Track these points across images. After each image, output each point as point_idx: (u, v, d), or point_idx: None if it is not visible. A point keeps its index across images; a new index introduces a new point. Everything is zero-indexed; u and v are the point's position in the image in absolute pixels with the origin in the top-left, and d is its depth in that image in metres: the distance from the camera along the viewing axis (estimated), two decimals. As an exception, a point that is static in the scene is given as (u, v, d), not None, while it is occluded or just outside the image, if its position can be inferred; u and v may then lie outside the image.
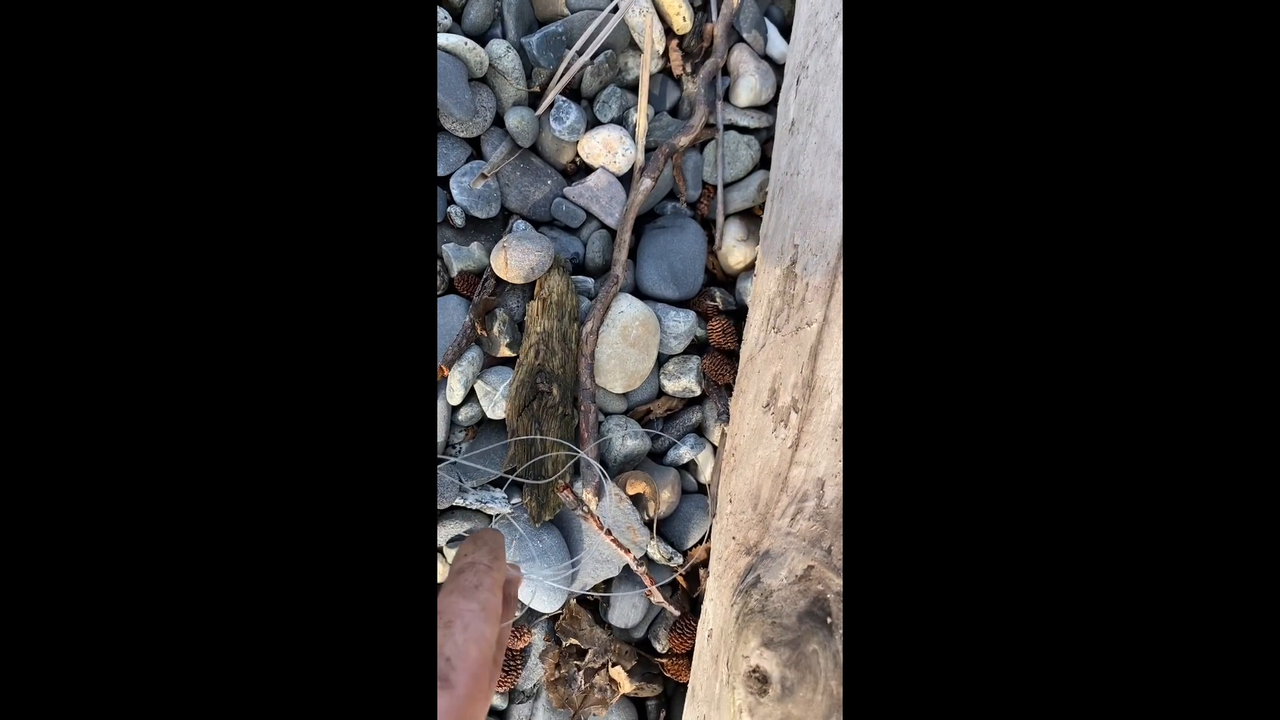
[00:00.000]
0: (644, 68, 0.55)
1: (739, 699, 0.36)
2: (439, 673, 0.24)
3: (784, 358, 0.43)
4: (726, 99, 0.59)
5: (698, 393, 0.56)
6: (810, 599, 0.35)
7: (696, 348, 0.57)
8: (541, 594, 0.48)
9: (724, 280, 0.59)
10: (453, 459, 0.48)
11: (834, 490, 0.37)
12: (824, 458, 0.38)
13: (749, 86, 0.58)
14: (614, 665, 0.49)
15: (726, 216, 0.59)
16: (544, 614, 0.50)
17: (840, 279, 0.40)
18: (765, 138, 0.59)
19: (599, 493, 0.49)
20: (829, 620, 0.34)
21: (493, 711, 0.50)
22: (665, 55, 0.57)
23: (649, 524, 0.52)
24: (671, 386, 0.56)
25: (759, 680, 0.35)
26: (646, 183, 0.55)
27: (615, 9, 0.54)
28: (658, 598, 0.50)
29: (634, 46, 0.57)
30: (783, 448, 0.41)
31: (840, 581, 0.35)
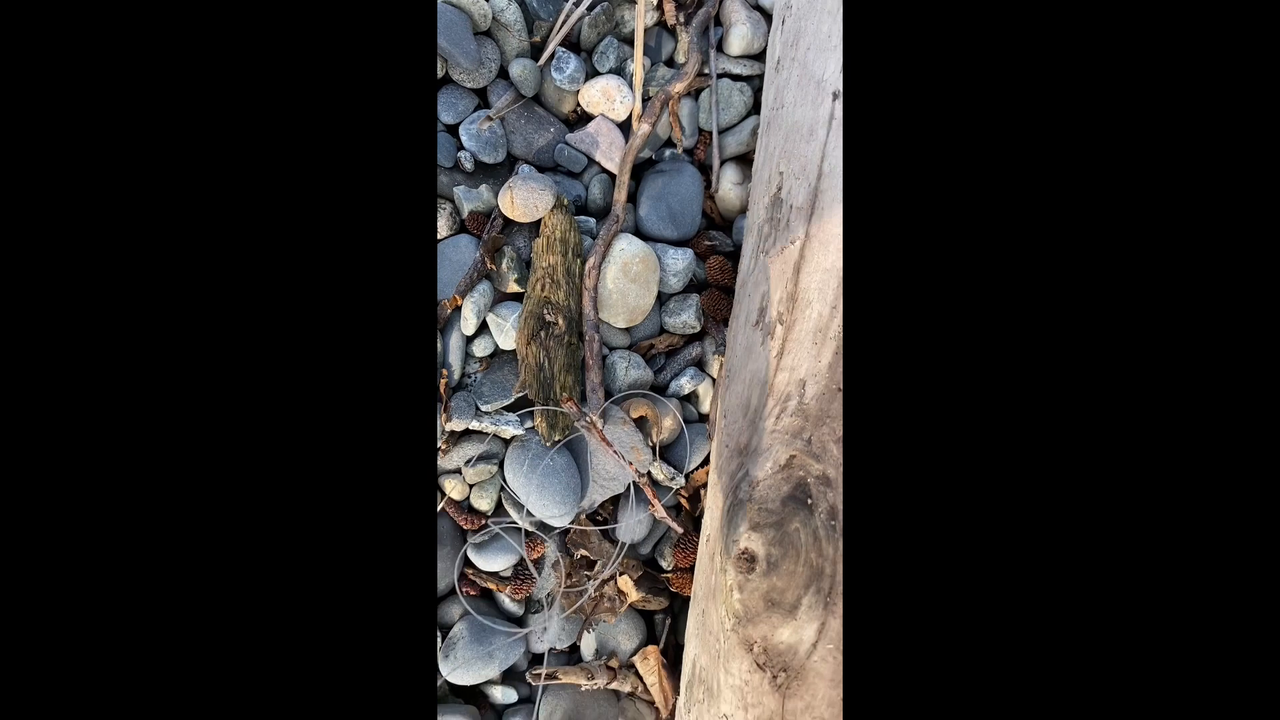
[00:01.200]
0: (639, 19, 0.58)
1: (730, 579, 0.40)
2: None
3: (771, 277, 0.46)
4: (720, 48, 0.61)
5: (697, 328, 0.59)
6: (793, 484, 0.39)
7: (696, 286, 0.60)
8: (552, 509, 0.52)
9: (721, 224, 0.62)
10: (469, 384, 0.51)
11: (814, 388, 0.40)
12: (805, 361, 0.41)
13: (740, 35, 0.60)
14: (621, 575, 0.53)
15: (723, 161, 0.61)
16: (556, 529, 0.54)
17: (818, 197, 0.43)
18: (758, 85, 0.62)
19: (604, 416, 0.52)
20: (809, 501, 0.38)
21: (510, 617, 0.54)
22: (659, 7, 0.60)
23: (651, 448, 0.56)
24: (672, 323, 0.59)
25: (747, 560, 0.39)
26: (645, 128, 0.58)
27: (610, -37, 0.57)
28: (661, 513, 0.53)
29: (629, -1, 0.60)
30: (769, 357, 0.44)
31: (819, 466, 0.38)
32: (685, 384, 0.58)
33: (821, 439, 0.39)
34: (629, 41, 0.60)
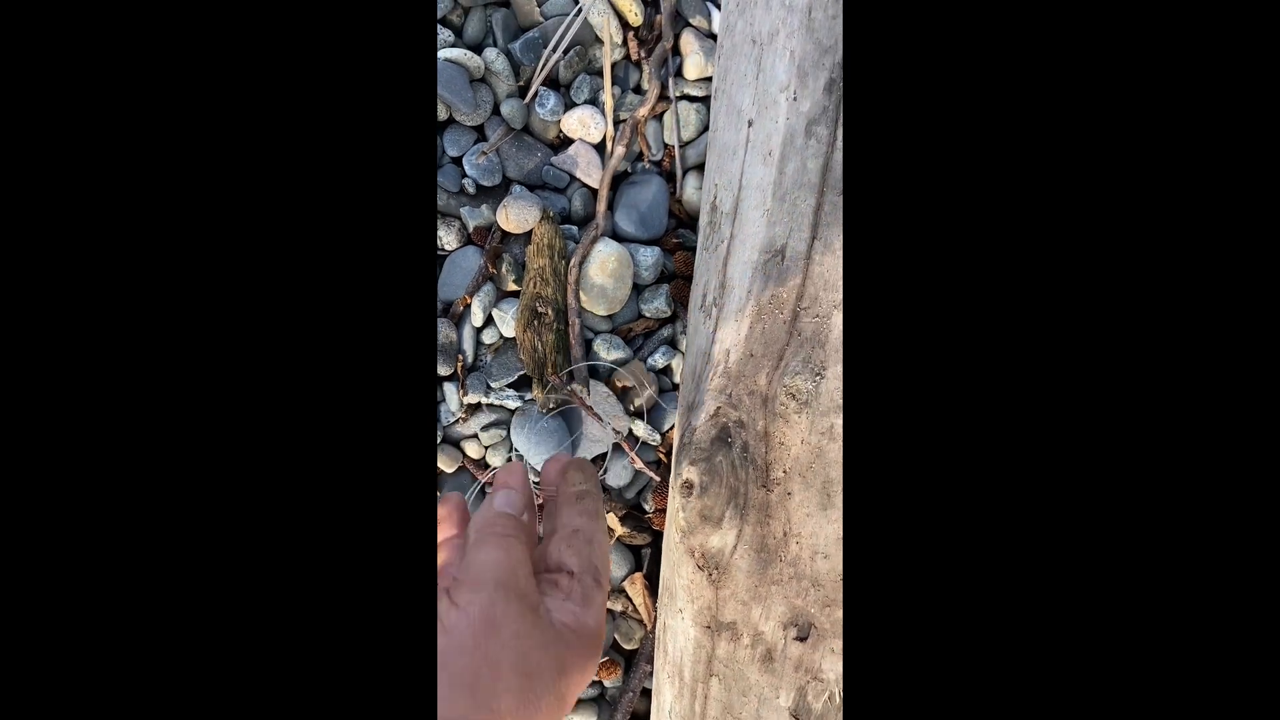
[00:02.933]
0: (606, 57, 0.70)
1: (676, 503, 0.52)
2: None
3: (709, 270, 0.58)
4: (679, 74, 0.73)
5: (669, 313, 0.71)
6: (718, 429, 0.50)
7: (667, 277, 0.72)
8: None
9: (687, 221, 0.74)
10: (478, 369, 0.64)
11: (735, 354, 0.51)
12: (729, 334, 0.53)
13: (695, 63, 0.71)
14: (609, 514, 0.65)
15: (685, 170, 0.73)
16: (554, 479, 0.67)
17: (739, 204, 0.54)
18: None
19: (588, 385, 0.65)
20: (729, 440, 0.50)
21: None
22: (624, 44, 0.72)
23: (636, 412, 0.68)
24: (647, 309, 0.71)
25: (687, 487, 0.51)
26: (619, 150, 0.70)
27: (579, 12, 0.69)
28: (639, 464, 0.66)
29: (598, 40, 0.71)
30: (707, 334, 0.56)
31: (736, 414, 0.50)
32: (659, 360, 0.70)
33: (739, 393, 0.50)
34: (599, 75, 0.72)
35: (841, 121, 0.48)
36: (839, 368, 0.46)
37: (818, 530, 0.46)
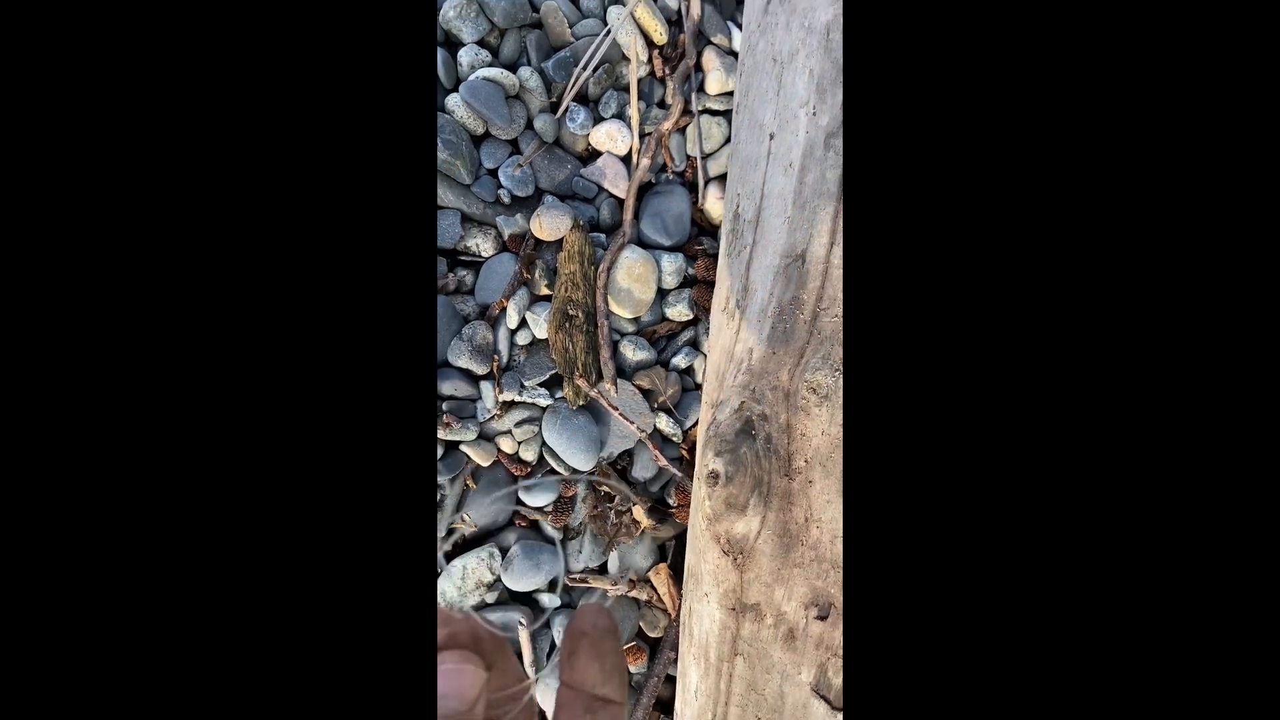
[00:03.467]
0: (632, 74, 0.74)
1: (702, 492, 0.55)
2: None
3: (732, 274, 0.61)
4: (702, 90, 0.77)
5: (691, 316, 0.74)
6: (743, 422, 0.54)
7: (690, 281, 0.76)
8: (578, 456, 0.68)
9: (709, 229, 0.77)
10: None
11: (757, 353, 0.55)
12: (752, 335, 0.56)
13: (717, 79, 0.75)
14: (635, 506, 0.69)
15: (707, 181, 0.76)
16: (583, 472, 0.70)
17: (761, 212, 0.58)
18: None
19: (616, 385, 0.68)
20: (753, 432, 0.53)
21: (551, 542, 0.71)
22: (650, 62, 0.76)
23: (662, 408, 0.72)
24: (671, 312, 0.75)
25: (713, 477, 0.54)
26: (644, 162, 0.74)
27: (608, 32, 0.73)
28: (662, 461, 0.69)
29: (625, 58, 0.76)
30: (731, 334, 0.59)
31: (760, 408, 0.53)
32: (681, 360, 0.74)
33: (762, 388, 0.54)
34: (626, 91, 0.76)
35: (858, 135, 0.51)
36: (857, 364, 0.49)
37: (837, 515, 0.49)
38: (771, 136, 0.58)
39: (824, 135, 0.53)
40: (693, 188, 0.77)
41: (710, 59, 0.76)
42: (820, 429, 0.50)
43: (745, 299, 0.58)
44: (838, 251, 0.51)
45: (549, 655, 0.68)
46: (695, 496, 0.61)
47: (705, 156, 0.76)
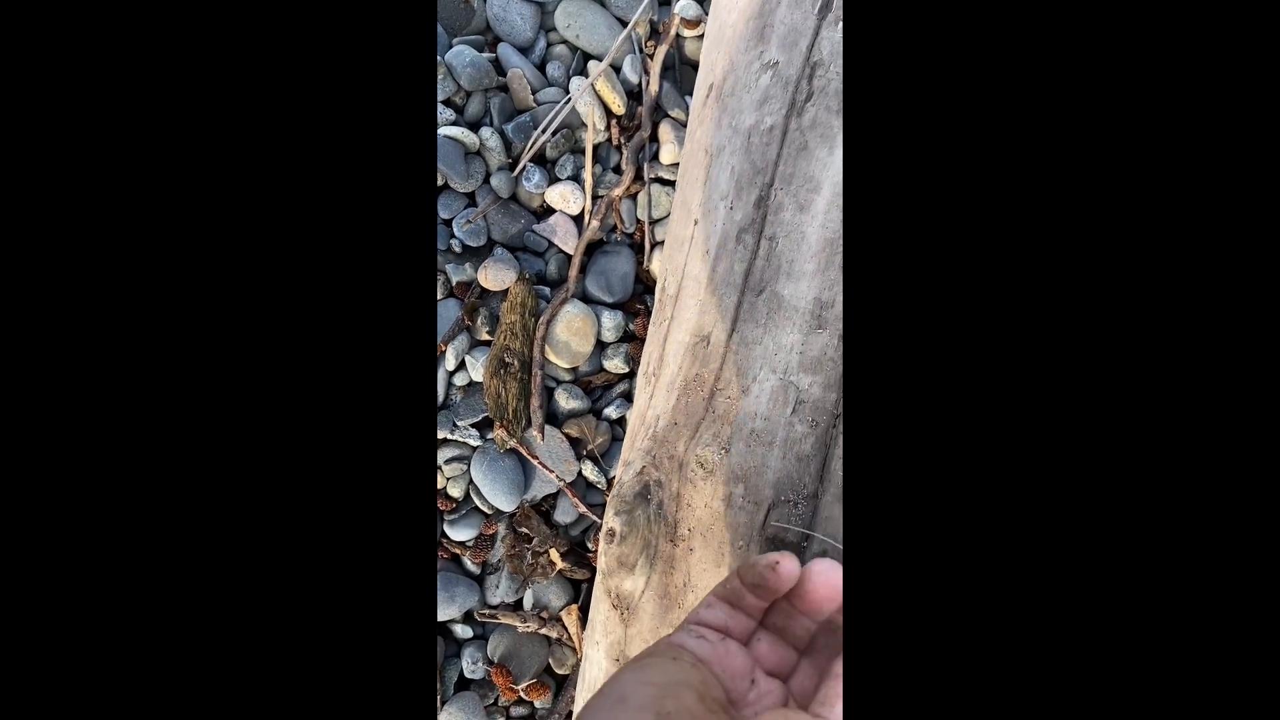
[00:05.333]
0: (589, 140, 0.78)
1: (602, 548, 0.59)
2: None
3: (653, 342, 0.66)
4: (656, 159, 0.81)
5: (627, 370, 0.79)
6: (642, 485, 0.58)
7: (629, 337, 0.80)
8: (501, 496, 0.72)
9: (653, 289, 0.82)
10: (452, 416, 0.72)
11: (663, 421, 0.59)
12: (660, 403, 0.60)
13: (670, 150, 0.80)
14: (551, 549, 0.72)
15: (653, 245, 0.81)
16: (505, 512, 0.74)
17: (680, 291, 0.63)
18: (683, 186, 0.81)
19: (543, 432, 0.73)
20: (649, 496, 0.57)
21: (470, 575, 0.74)
22: (607, 129, 0.81)
23: (588, 456, 0.76)
24: (609, 365, 0.79)
25: (610, 534, 0.58)
26: (595, 223, 0.78)
27: (569, 101, 0.78)
28: (581, 508, 0.73)
29: (584, 125, 0.81)
30: (646, 398, 0.63)
31: (658, 474, 0.57)
32: (613, 411, 0.78)
33: (661, 455, 0.58)
34: (583, 154, 0.81)
35: (764, 233, 0.56)
36: (741, 445, 0.53)
37: (711, 584, 0.53)
38: (696, 222, 0.63)
39: (737, 229, 0.58)
40: (640, 249, 0.82)
41: (666, 131, 0.81)
42: (704, 501, 0.54)
43: (659, 368, 0.62)
44: (736, 339, 0.55)
45: (455, 686, 0.71)
46: (600, 548, 0.65)
47: (654, 222, 0.81)
